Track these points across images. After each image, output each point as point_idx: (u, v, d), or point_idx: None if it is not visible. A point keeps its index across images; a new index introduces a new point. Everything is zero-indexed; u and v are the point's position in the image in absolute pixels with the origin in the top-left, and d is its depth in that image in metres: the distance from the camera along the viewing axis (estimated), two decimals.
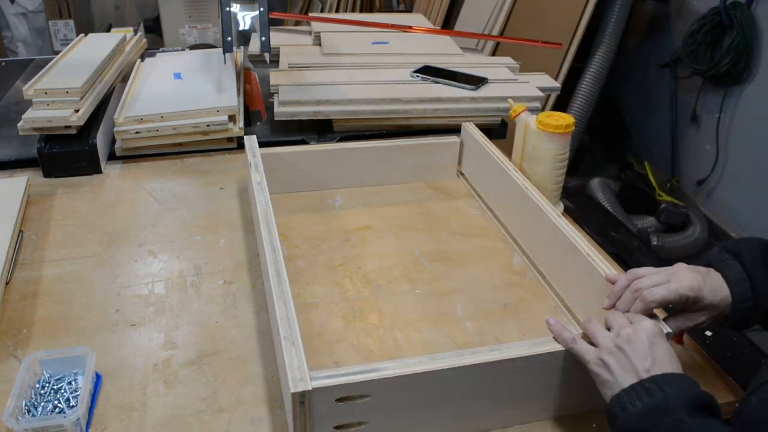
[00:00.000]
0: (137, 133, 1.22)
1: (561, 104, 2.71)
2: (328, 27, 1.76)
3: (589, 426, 0.73)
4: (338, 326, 0.86)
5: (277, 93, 1.32)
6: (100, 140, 1.22)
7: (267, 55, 1.30)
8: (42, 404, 0.71)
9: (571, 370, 0.70)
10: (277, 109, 1.28)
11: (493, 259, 1.02)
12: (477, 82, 1.37)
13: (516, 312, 0.90)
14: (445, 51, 1.63)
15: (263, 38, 1.23)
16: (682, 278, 0.70)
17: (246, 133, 1.21)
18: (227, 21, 1.23)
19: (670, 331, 0.70)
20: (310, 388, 0.61)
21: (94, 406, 0.73)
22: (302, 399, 0.62)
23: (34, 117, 1.16)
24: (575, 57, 2.60)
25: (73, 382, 0.74)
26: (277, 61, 1.56)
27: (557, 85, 1.51)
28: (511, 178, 1.04)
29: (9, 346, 0.81)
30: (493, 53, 2.67)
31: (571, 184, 2.86)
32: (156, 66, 1.48)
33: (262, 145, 1.11)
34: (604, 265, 0.82)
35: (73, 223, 1.06)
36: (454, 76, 1.40)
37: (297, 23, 2.86)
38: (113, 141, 1.26)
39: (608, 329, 0.68)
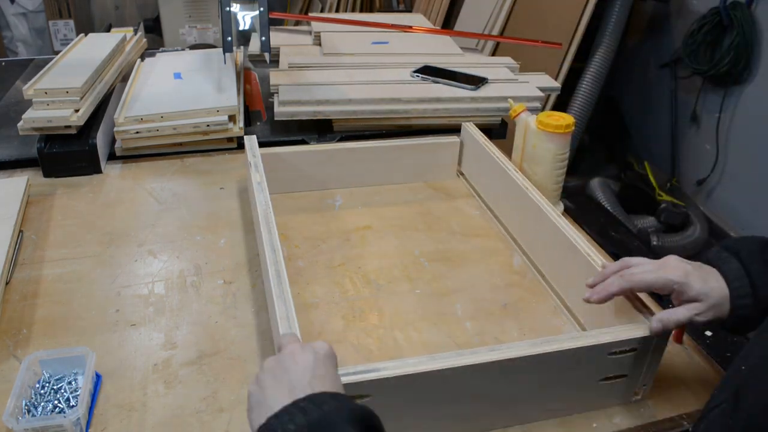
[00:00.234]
0: (137, 133, 1.22)
1: (561, 104, 2.71)
2: (328, 27, 1.76)
3: (589, 426, 0.73)
4: (338, 326, 0.86)
5: (277, 93, 1.32)
6: (100, 140, 1.22)
7: (267, 55, 1.30)
8: (42, 404, 0.71)
9: (571, 370, 0.70)
10: (277, 109, 1.28)
11: (493, 259, 1.02)
12: (477, 82, 1.37)
13: (516, 312, 0.90)
14: (445, 51, 1.63)
15: (263, 38, 1.23)
16: (669, 266, 0.70)
17: (246, 133, 1.21)
18: (227, 21, 1.23)
19: (655, 319, 0.69)
20: None
21: (94, 406, 0.73)
22: None
23: (34, 117, 1.16)
24: (575, 57, 2.60)
25: (73, 382, 0.74)
26: (277, 61, 1.56)
27: (557, 85, 1.51)
28: (511, 178, 1.04)
29: (9, 346, 0.81)
30: (493, 53, 2.67)
31: (571, 184, 2.86)
32: (156, 66, 1.48)
33: (262, 145, 1.11)
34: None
35: (73, 223, 1.06)
36: (454, 76, 1.40)
37: (297, 23, 2.86)
38: (113, 141, 1.26)
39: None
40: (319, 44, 1.67)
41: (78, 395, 0.72)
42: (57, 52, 1.95)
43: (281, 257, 0.80)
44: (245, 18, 1.27)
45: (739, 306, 0.68)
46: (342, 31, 1.74)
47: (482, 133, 1.19)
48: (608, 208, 2.63)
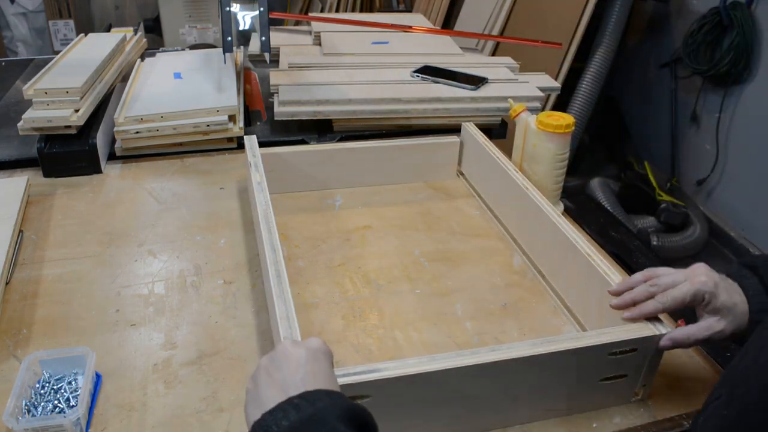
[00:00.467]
0: (137, 133, 1.22)
1: (561, 104, 2.71)
2: (328, 27, 1.76)
3: (589, 426, 0.73)
4: (338, 326, 0.86)
5: (277, 93, 1.32)
6: (100, 140, 1.22)
7: (267, 55, 1.30)
8: (42, 404, 0.71)
9: (571, 370, 0.70)
10: (277, 109, 1.28)
11: (493, 259, 1.02)
12: (477, 82, 1.37)
13: (516, 312, 0.90)
14: (445, 51, 1.63)
15: (263, 38, 1.23)
16: (699, 274, 0.70)
17: (246, 133, 1.21)
18: (227, 21, 1.23)
19: (670, 330, 0.70)
20: None
21: (94, 406, 0.73)
22: None
23: (34, 117, 1.16)
24: (575, 57, 2.60)
25: (73, 382, 0.74)
26: (277, 61, 1.56)
27: (557, 85, 1.51)
28: (511, 178, 1.04)
29: (9, 346, 0.81)
30: (493, 53, 2.67)
31: (571, 184, 2.86)
32: (156, 66, 1.48)
33: (262, 145, 1.11)
34: (604, 265, 0.82)
35: (73, 223, 1.06)
36: (454, 76, 1.40)
37: (297, 23, 2.86)
38: (113, 141, 1.26)
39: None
40: (319, 44, 1.67)
41: (78, 395, 0.72)
42: (57, 52, 1.95)
43: (281, 257, 0.80)
44: (245, 18, 1.27)
45: (757, 321, 0.68)
46: (342, 31, 1.74)
47: (482, 133, 1.19)
48: (608, 208, 2.63)
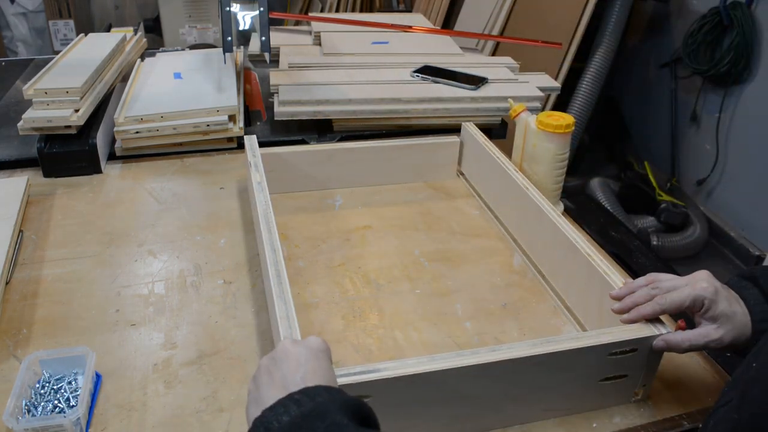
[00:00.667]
0: (137, 133, 1.22)
1: (561, 104, 2.71)
2: (328, 27, 1.76)
3: (589, 426, 0.73)
4: (338, 326, 0.86)
5: (277, 93, 1.32)
6: (100, 140, 1.22)
7: (267, 55, 1.30)
8: (42, 404, 0.71)
9: (571, 370, 0.70)
10: (277, 108, 1.28)
11: (493, 259, 1.02)
12: (477, 82, 1.37)
13: (516, 312, 0.90)
14: (445, 51, 1.63)
15: (263, 38, 1.23)
16: (700, 280, 0.70)
17: (246, 133, 1.21)
18: (227, 21, 1.23)
19: (670, 330, 0.70)
20: None
21: (94, 406, 0.73)
22: None
23: (34, 117, 1.16)
24: (575, 57, 2.60)
25: (73, 382, 0.74)
26: (277, 61, 1.56)
27: (557, 85, 1.51)
28: (511, 178, 1.04)
29: (9, 346, 0.81)
30: (493, 53, 2.67)
31: (571, 184, 2.86)
32: (156, 66, 1.48)
33: (262, 145, 1.11)
34: (604, 265, 0.82)
35: (73, 223, 1.06)
36: (454, 76, 1.40)
37: (297, 23, 2.86)
38: (113, 141, 1.26)
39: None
40: (319, 44, 1.67)
41: (78, 395, 0.72)
42: (57, 52, 1.95)
43: (281, 257, 0.80)
44: (245, 18, 1.27)
45: (761, 330, 0.68)
46: (342, 31, 1.74)
47: (482, 133, 1.19)
48: (608, 208, 2.63)
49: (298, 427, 0.48)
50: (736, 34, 2.48)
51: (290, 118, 1.28)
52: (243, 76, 1.53)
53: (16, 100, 1.49)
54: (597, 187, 2.79)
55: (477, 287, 0.95)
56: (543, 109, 1.29)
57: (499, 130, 1.37)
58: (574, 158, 2.86)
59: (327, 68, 1.46)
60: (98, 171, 1.21)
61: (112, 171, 1.23)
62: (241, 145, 1.30)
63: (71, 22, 3.48)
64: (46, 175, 1.20)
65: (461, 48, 1.66)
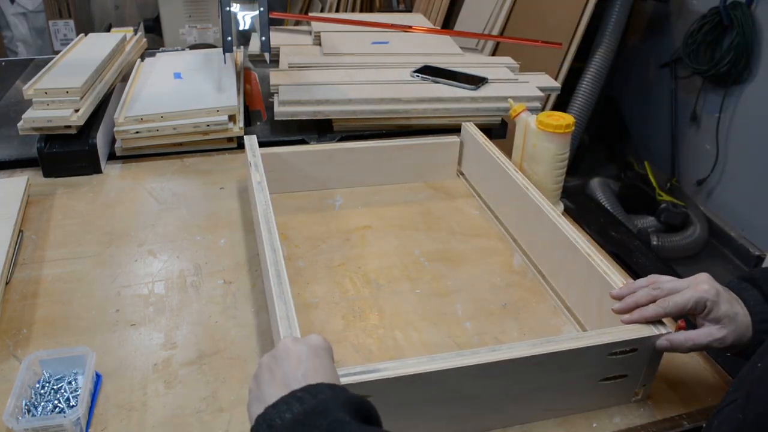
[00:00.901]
0: (137, 133, 1.22)
1: (561, 104, 2.71)
2: (328, 27, 1.76)
3: (589, 426, 0.73)
4: (338, 326, 0.86)
5: (277, 93, 1.32)
6: (100, 140, 1.22)
7: (267, 55, 1.30)
8: (42, 404, 0.71)
9: (571, 370, 0.70)
10: (277, 108, 1.28)
11: (493, 259, 1.02)
12: (477, 82, 1.37)
13: (516, 312, 0.90)
14: (445, 51, 1.63)
15: (263, 38, 1.23)
16: (701, 282, 0.70)
17: (246, 133, 1.21)
18: (227, 21, 1.23)
19: (670, 330, 0.70)
20: None
21: (94, 406, 0.73)
22: None
23: (34, 117, 1.16)
24: (575, 57, 2.60)
25: (73, 382, 0.74)
26: (277, 61, 1.56)
27: (557, 85, 1.51)
28: (511, 178, 1.04)
29: (9, 346, 0.81)
30: (493, 53, 2.67)
31: (571, 184, 2.86)
32: (156, 66, 1.48)
33: (262, 145, 1.11)
34: (604, 265, 0.82)
35: (73, 223, 1.06)
36: (454, 76, 1.40)
37: (297, 23, 2.86)
38: (113, 141, 1.26)
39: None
40: (319, 44, 1.67)
41: (78, 395, 0.72)
42: (57, 52, 1.95)
43: (281, 257, 0.80)
44: (245, 18, 1.27)
45: (761, 330, 0.68)
46: (342, 31, 1.74)
47: (482, 133, 1.19)
48: (608, 208, 2.63)
49: (300, 424, 0.48)
50: (736, 34, 2.49)
51: (290, 118, 1.28)
52: (243, 76, 1.53)
53: (16, 100, 1.49)
54: (597, 187, 2.79)
55: (477, 287, 0.95)
56: (543, 109, 1.29)
57: (499, 130, 1.37)
58: (574, 158, 2.86)
59: (327, 68, 1.46)
60: (98, 171, 1.21)
61: (112, 171, 1.23)
62: (241, 145, 1.30)
63: (71, 22, 3.49)
64: (46, 175, 1.20)
65: (461, 48, 1.66)
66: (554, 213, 0.93)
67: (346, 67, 1.46)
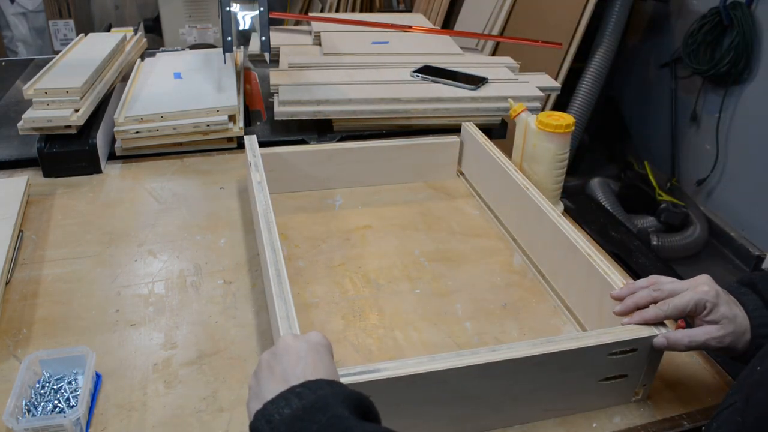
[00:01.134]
0: (137, 132, 1.22)
1: (561, 104, 2.71)
2: (328, 27, 1.76)
3: (589, 426, 0.73)
4: (338, 326, 0.86)
5: (277, 93, 1.32)
6: (100, 140, 1.22)
7: (267, 55, 1.30)
8: (42, 404, 0.71)
9: (571, 370, 0.70)
10: (277, 108, 1.28)
11: (493, 259, 1.02)
12: (477, 81, 1.37)
13: (516, 312, 0.90)
14: (445, 51, 1.63)
15: (263, 38, 1.23)
16: (701, 284, 0.70)
17: (246, 133, 1.21)
18: (227, 21, 1.23)
19: (670, 330, 0.70)
20: None
21: (94, 406, 0.73)
22: None
23: (34, 117, 1.16)
24: (575, 57, 2.60)
25: (73, 382, 0.74)
26: (277, 61, 1.56)
27: (557, 85, 1.51)
28: (511, 178, 1.04)
29: (9, 346, 0.81)
30: (493, 53, 2.68)
31: (571, 184, 2.86)
32: (156, 66, 1.48)
33: (262, 145, 1.11)
34: (604, 265, 0.82)
35: (73, 223, 1.06)
36: (454, 75, 1.40)
37: (297, 23, 2.86)
38: (113, 141, 1.26)
39: None
40: (319, 44, 1.67)
41: (78, 395, 0.72)
42: (57, 52, 1.95)
43: (281, 257, 0.80)
44: (245, 18, 1.27)
45: (760, 335, 0.68)
46: (342, 31, 1.74)
47: (482, 133, 1.19)
48: (608, 208, 2.63)
49: (299, 420, 0.48)
50: (736, 34, 2.49)
51: (290, 118, 1.28)
52: (243, 76, 1.53)
53: (16, 100, 1.49)
54: (597, 187, 2.79)
55: (477, 287, 0.95)
56: (543, 109, 1.29)
57: (499, 130, 1.37)
58: (574, 158, 2.86)
59: (327, 68, 1.46)
60: (98, 171, 1.21)
61: (112, 171, 1.23)
62: (241, 145, 1.30)
63: (71, 22, 3.49)
64: (46, 175, 1.20)
65: (461, 48, 1.66)
66: (554, 213, 0.93)
67: (346, 67, 1.46)
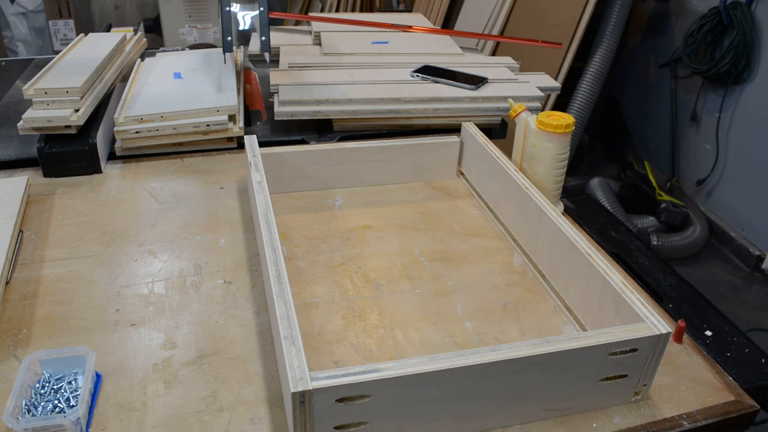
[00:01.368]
0: (137, 132, 1.22)
1: (561, 104, 2.72)
2: (328, 27, 1.76)
3: (589, 426, 0.73)
4: (338, 326, 0.86)
5: (277, 93, 1.32)
6: (100, 140, 1.22)
7: (267, 55, 1.30)
8: (42, 404, 0.71)
9: (571, 370, 0.70)
10: (277, 108, 1.28)
11: (493, 258, 1.02)
12: (477, 81, 1.37)
13: (516, 312, 0.90)
14: (445, 51, 1.63)
15: (263, 38, 1.23)
16: None
17: (246, 133, 1.21)
18: (227, 21, 1.23)
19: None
20: (311, 388, 0.61)
21: (94, 406, 0.73)
22: (302, 399, 0.62)
23: (34, 116, 1.16)
24: (575, 57, 2.60)
25: (73, 382, 0.74)
26: (277, 61, 1.56)
27: (557, 84, 1.51)
28: (511, 178, 1.04)
29: (9, 346, 0.81)
30: (493, 53, 2.68)
31: (571, 184, 2.86)
32: (156, 66, 1.48)
33: (262, 144, 1.11)
34: (604, 265, 0.82)
35: (73, 223, 1.06)
36: (454, 75, 1.40)
37: (297, 23, 2.86)
38: (113, 141, 1.26)
39: None
40: (319, 44, 1.67)
41: (78, 395, 0.72)
42: (57, 52, 1.95)
43: (281, 257, 0.80)
44: (245, 18, 1.27)
45: None
46: (342, 31, 1.74)
47: (482, 133, 1.19)
48: (608, 208, 2.63)
49: None
50: (736, 34, 2.49)
51: (290, 118, 1.28)
52: (243, 76, 1.53)
53: (16, 100, 1.49)
54: (597, 187, 2.80)
55: (477, 287, 0.95)
56: (543, 109, 1.29)
57: (499, 130, 1.37)
58: (574, 158, 2.86)
59: (327, 68, 1.46)
60: (98, 171, 1.21)
61: (112, 171, 1.23)
62: (241, 145, 1.30)
63: (71, 22, 3.49)
64: (46, 175, 1.20)
65: (461, 48, 1.66)
66: (554, 213, 0.93)
67: (346, 67, 1.46)
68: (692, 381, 0.80)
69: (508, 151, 1.15)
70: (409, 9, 3.65)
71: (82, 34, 1.55)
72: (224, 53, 1.30)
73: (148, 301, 0.89)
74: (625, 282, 0.78)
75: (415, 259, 1.01)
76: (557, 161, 1.09)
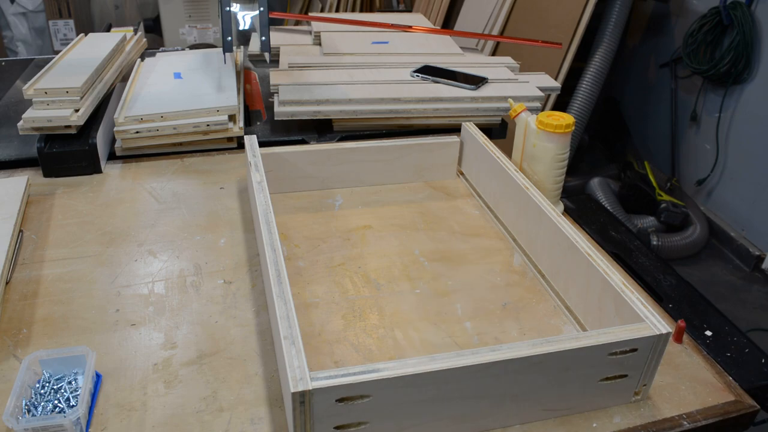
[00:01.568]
0: (137, 132, 1.22)
1: (561, 104, 2.72)
2: (328, 27, 1.76)
3: (589, 426, 0.73)
4: (338, 326, 0.86)
5: (277, 93, 1.32)
6: (100, 140, 1.22)
7: (267, 55, 1.30)
8: (42, 404, 0.71)
9: (571, 370, 0.70)
10: (277, 108, 1.28)
11: (493, 258, 1.02)
12: (477, 81, 1.37)
13: (516, 312, 0.90)
14: (445, 51, 1.63)
15: (263, 38, 1.23)
16: None
17: (246, 133, 1.21)
18: (227, 21, 1.23)
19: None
20: (311, 388, 0.61)
21: (94, 406, 0.73)
22: (302, 399, 0.62)
23: (34, 116, 1.16)
24: (575, 57, 2.60)
25: (73, 382, 0.74)
26: (277, 61, 1.56)
27: (557, 84, 1.51)
28: (511, 178, 1.04)
29: (9, 346, 0.81)
30: (493, 53, 2.68)
31: (571, 184, 2.86)
32: (156, 66, 1.48)
33: (262, 144, 1.11)
34: (604, 265, 0.82)
35: (73, 223, 1.06)
36: (454, 75, 1.40)
37: (297, 23, 2.86)
38: (113, 141, 1.27)
39: None
40: (319, 44, 1.67)
41: (78, 395, 0.72)
42: (57, 52, 1.95)
43: (281, 257, 0.80)
44: (245, 18, 1.27)
45: None
46: (342, 31, 1.74)
47: (482, 133, 1.19)
48: (608, 208, 2.63)
49: None
50: (736, 34, 2.49)
51: (290, 118, 1.28)
52: (243, 76, 1.53)
53: (16, 100, 1.49)
54: (597, 187, 2.80)
55: (477, 287, 0.95)
56: (543, 109, 1.29)
57: (499, 130, 1.37)
58: (574, 158, 2.86)
59: (327, 68, 1.46)
60: (98, 171, 1.21)
61: (112, 171, 1.23)
62: (241, 145, 1.30)
63: (71, 22, 3.49)
64: (46, 175, 1.20)
65: (461, 48, 1.66)
66: (554, 213, 0.93)
67: (346, 67, 1.46)
68: (692, 381, 0.80)
69: (508, 151, 1.15)
70: (409, 9, 3.65)
71: (82, 34, 1.55)
72: (224, 53, 1.30)
73: (148, 301, 0.89)
74: (625, 282, 0.78)
75: (415, 259, 1.01)
76: (557, 161, 1.09)
